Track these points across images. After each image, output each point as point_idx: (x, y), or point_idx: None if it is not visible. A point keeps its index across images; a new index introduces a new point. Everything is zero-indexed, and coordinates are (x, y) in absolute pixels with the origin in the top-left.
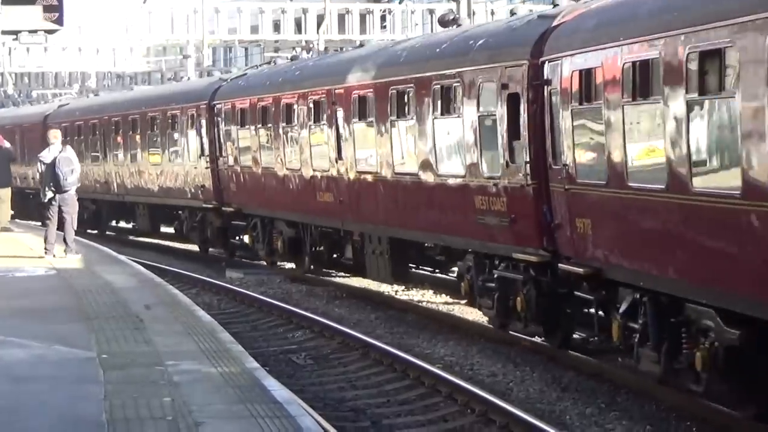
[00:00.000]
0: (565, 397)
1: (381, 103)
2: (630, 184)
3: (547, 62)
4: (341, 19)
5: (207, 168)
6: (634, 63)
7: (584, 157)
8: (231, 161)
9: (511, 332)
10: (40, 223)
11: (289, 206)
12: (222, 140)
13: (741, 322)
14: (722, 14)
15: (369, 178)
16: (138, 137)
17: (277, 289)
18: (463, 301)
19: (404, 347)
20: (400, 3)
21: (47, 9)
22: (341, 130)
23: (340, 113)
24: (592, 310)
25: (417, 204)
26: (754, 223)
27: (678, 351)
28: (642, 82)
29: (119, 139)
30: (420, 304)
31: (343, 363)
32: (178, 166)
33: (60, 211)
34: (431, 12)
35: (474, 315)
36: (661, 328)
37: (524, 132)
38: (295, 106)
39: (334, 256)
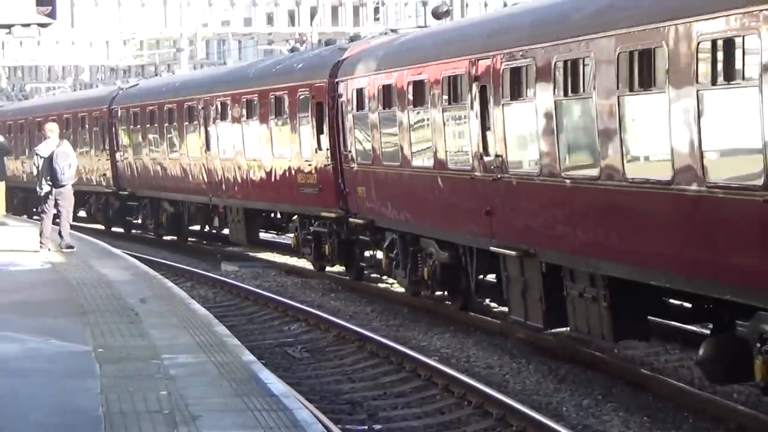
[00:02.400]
0: (561, 388)
1: (235, 109)
2: (384, 163)
3: (339, 82)
4: (334, 11)
5: (108, 160)
6: (384, 86)
7: (360, 146)
8: (127, 154)
9: (326, 272)
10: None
11: (171, 188)
12: (119, 137)
13: (449, 246)
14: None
15: (229, 164)
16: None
17: (272, 281)
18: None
19: (400, 340)
20: None
21: (40, 2)
22: (210, 129)
23: (210, 116)
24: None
25: (262, 182)
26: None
27: (415, 268)
28: (386, 100)
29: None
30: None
31: (339, 356)
32: (87, 159)
33: (56, 205)
34: (425, 4)
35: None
36: (406, 255)
37: (326, 128)
38: (175, 110)
39: (207, 227)
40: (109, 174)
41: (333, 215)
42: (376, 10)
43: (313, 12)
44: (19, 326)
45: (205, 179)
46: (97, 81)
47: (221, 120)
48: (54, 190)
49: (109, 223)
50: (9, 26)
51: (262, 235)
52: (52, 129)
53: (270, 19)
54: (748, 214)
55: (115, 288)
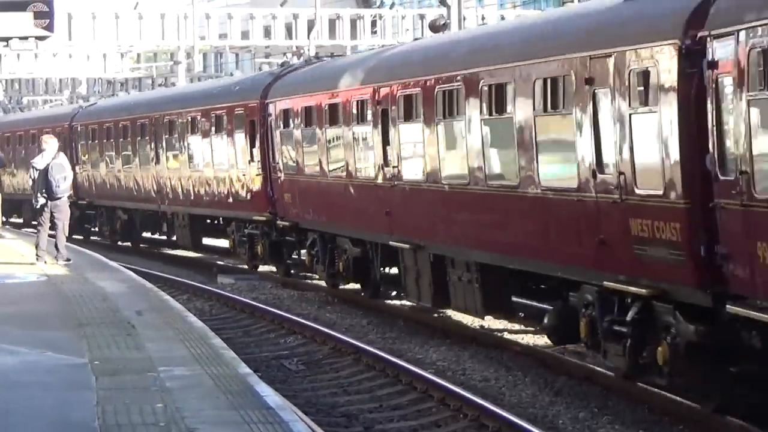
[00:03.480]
0: (557, 401)
1: (182, 126)
2: (306, 173)
3: (269, 103)
4: (332, 24)
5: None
6: (306, 107)
7: (286, 158)
8: (86, 167)
9: (259, 270)
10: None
11: (125, 197)
12: (79, 151)
13: (359, 243)
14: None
15: (176, 175)
16: (22, 149)
17: (268, 294)
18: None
19: (396, 352)
20: (390, 8)
21: (38, 16)
22: (159, 144)
23: (160, 132)
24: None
25: (203, 190)
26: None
27: (333, 264)
28: (307, 119)
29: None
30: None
31: (335, 368)
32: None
33: (52, 218)
34: (422, 17)
35: (460, 318)
36: (325, 252)
37: (257, 143)
38: (129, 127)
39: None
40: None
41: (263, 218)
42: (374, 24)
43: (311, 25)
44: (16, 339)
45: (155, 189)
46: (94, 94)
47: (169, 135)
48: (49, 202)
49: (69, 230)
50: (7, 39)
51: (207, 240)
52: (47, 141)
53: (267, 32)
54: (568, 210)
55: (111, 300)
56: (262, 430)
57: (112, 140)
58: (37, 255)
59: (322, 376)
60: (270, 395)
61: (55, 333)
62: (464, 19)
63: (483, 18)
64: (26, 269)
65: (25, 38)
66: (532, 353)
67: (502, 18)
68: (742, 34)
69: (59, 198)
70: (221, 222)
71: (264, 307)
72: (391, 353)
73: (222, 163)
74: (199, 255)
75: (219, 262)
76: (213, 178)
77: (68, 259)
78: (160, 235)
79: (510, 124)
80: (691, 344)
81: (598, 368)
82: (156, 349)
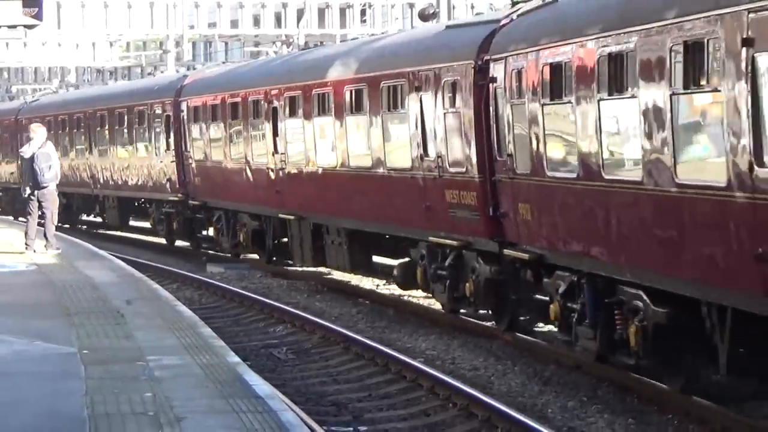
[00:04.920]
0: (546, 390)
1: (111, 120)
2: (212, 159)
3: (181, 101)
4: (321, 13)
5: (14, 162)
6: (212, 105)
7: (196, 147)
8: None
9: (175, 245)
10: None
11: (63, 183)
12: (24, 142)
13: (257, 217)
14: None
15: (107, 162)
16: None
17: (258, 283)
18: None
19: (385, 341)
20: None
21: (27, 4)
22: (92, 134)
23: (93, 125)
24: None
25: (129, 175)
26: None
27: (235, 235)
28: (213, 114)
29: None
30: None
31: (324, 357)
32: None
33: (40, 207)
34: (411, 6)
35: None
36: (229, 226)
37: (172, 135)
38: (67, 120)
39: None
40: (16, 173)
41: (177, 199)
42: (363, 12)
43: (300, 14)
44: (4, 328)
45: (89, 175)
46: (83, 82)
47: (101, 128)
48: (36, 191)
49: (16, 214)
50: None
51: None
52: (35, 130)
53: (257, 21)
54: (404, 185)
55: (100, 290)
56: (251, 419)
57: (51, 132)
58: (26, 244)
59: (311, 365)
60: (259, 384)
61: (44, 322)
62: (453, 8)
63: (473, 7)
64: (15, 258)
65: (14, 27)
66: (522, 342)
67: (491, 7)
68: (509, 59)
69: (45, 187)
70: (144, 203)
71: (253, 296)
72: (381, 342)
73: (143, 152)
74: (187, 244)
75: (209, 252)
76: (137, 165)
77: (57, 248)
78: (95, 217)
79: (365, 120)
80: (488, 280)
81: (587, 358)
82: (145, 338)
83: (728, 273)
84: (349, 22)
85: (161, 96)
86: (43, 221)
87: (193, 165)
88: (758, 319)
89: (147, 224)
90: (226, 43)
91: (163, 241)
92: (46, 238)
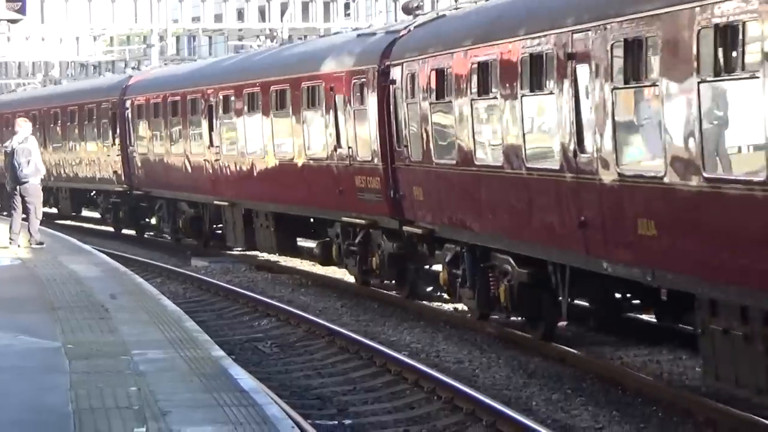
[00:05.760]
0: (531, 383)
1: (62, 117)
2: (155, 152)
3: (126, 99)
4: (305, 7)
5: None
6: (155, 103)
7: (140, 141)
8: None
9: (123, 232)
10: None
11: None
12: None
13: (195, 205)
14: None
15: (59, 156)
16: None
17: (242, 277)
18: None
19: (370, 335)
20: None
21: None
22: (45, 131)
23: (46, 122)
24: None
25: (80, 168)
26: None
27: (175, 222)
28: (155, 112)
29: None
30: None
31: (309, 351)
32: None
33: (23, 201)
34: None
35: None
36: (169, 213)
37: (117, 130)
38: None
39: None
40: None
41: (122, 189)
42: (347, 6)
43: (284, 8)
44: None
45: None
46: (66, 77)
47: (53, 124)
48: (18, 186)
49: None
50: None
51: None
52: (20, 124)
53: (241, 15)
54: (322, 174)
55: (85, 284)
56: (236, 412)
57: (10, 128)
58: (9, 239)
59: (296, 359)
60: (244, 378)
61: (28, 316)
62: (437, 0)
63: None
64: None
65: None
66: (506, 335)
67: (476, 2)
68: (405, 64)
69: (25, 182)
70: (94, 194)
71: (238, 289)
72: (365, 335)
73: (93, 147)
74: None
75: (194, 243)
76: (87, 159)
77: (41, 243)
78: (50, 208)
79: (289, 117)
80: (391, 255)
81: (571, 350)
82: (130, 332)
83: (563, 237)
84: (333, 16)
85: (108, 95)
86: (26, 216)
87: (137, 158)
88: (587, 274)
89: (97, 214)
90: (210, 38)
91: (111, 229)
92: (30, 233)
